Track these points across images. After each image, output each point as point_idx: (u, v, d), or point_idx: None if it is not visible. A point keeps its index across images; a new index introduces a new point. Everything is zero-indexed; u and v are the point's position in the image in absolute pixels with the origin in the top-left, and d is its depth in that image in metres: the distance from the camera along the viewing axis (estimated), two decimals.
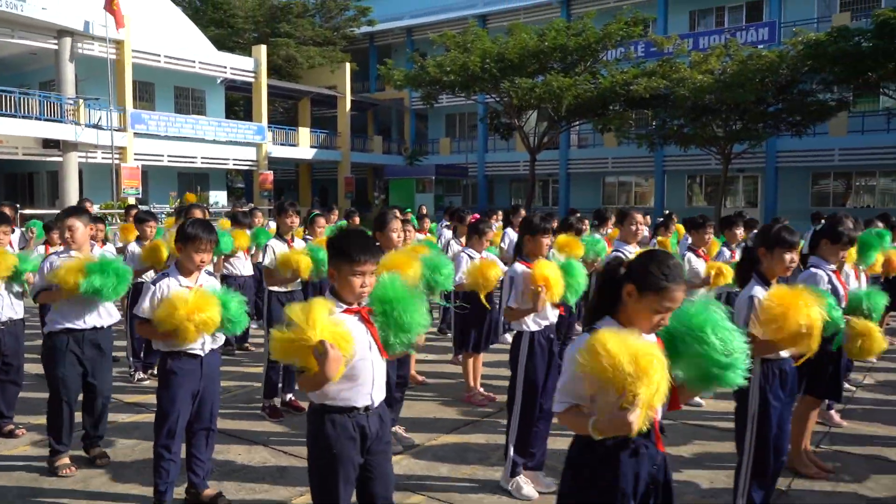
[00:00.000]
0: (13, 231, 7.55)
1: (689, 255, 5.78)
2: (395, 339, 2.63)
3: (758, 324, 3.10)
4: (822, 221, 5.00)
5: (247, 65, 29.12)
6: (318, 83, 35.00)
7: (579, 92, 23.05)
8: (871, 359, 7.15)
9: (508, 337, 6.34)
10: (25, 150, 22.97)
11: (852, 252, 4.77)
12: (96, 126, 23.16)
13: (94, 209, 11.82)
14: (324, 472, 2.65)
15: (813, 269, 4.23)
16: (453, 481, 4.19)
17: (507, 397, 4.09)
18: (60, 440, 4.23)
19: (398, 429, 4.80)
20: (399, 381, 4.66)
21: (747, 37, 27.35)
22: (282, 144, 31.32)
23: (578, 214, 10.15)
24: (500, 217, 10.33)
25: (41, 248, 6.85)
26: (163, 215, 20.38)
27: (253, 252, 7.65)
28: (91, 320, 4.21)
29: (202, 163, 27.36)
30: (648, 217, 11.10)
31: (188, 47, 27.11)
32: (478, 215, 8.01)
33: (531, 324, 3.97)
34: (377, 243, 4.65)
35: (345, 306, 2.62)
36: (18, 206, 10.35)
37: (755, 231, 7.17)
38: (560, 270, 3.91)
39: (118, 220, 16.53)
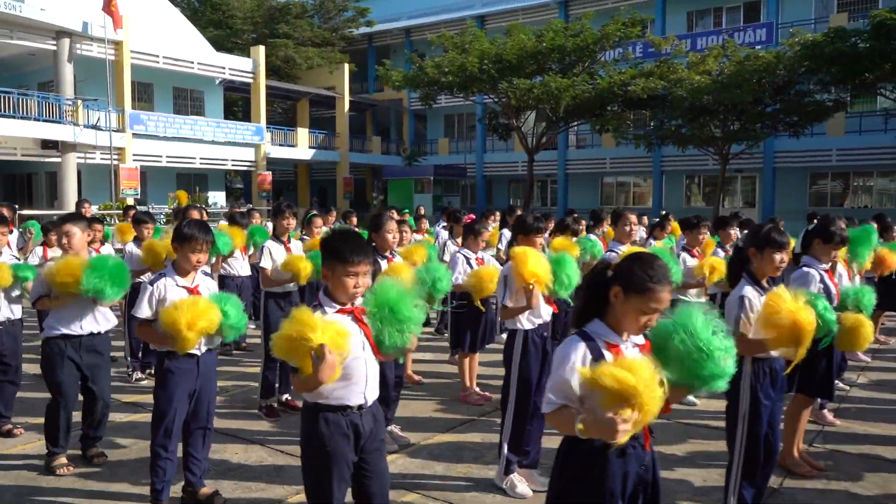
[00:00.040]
0: (11, 232, 7.59)
1: (684, 254, 5.82)
2: (391, 339, 2.62)
3: (760, 326, 3.15)
4: (815, 221, 5.01)
5: (245, 65, 29.15)
6: (316, 84, 35.04)
7: (577, 92, 23.10)
8: (864, 358, 7.25)
9: (505, 337, 6.37)
10: (24, 150, 22.98)
11: (843, 251, 4.80)
12: (95, 127, 23.18)
13: (93, 210, 11.83)
14: (318, 471, 2.68)
15: (805, 269, 4.26)
16: (448, 480, 4.22)
17: (501, 396, 4.12)
18: (58, 443, 4.26)
19: (394, 428, 4.83)
20: (395, 381, 4.70)
21: (745, 37, 27.42)
22: (280, 145, 31.36)
23: (576, 215, 10.20)
24: (498, 217, 10.35)
25: (39, 250, 6.88)
26: (161, 216, 20.44)
27: (251, 252, 7.67)
28: (88, 326, 4.24)
29: (201, 163, 27.38)
30: (645, 218, 11.21)
31: (187, 48, 27.13)
32: (473, 216, 8.05)
33: (525, 322, 4.00)
34: (372, 244, 4.72)
35: (338, 306, 2.65)
36: (17, 206, 10.37)
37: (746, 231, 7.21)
38: (551, 264, 3.91)
39: (117, 221, 16.55)
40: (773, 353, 3.30)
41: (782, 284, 3.39)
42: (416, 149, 36.60)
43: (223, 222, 8.85)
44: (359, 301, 2.71)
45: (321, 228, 6.48)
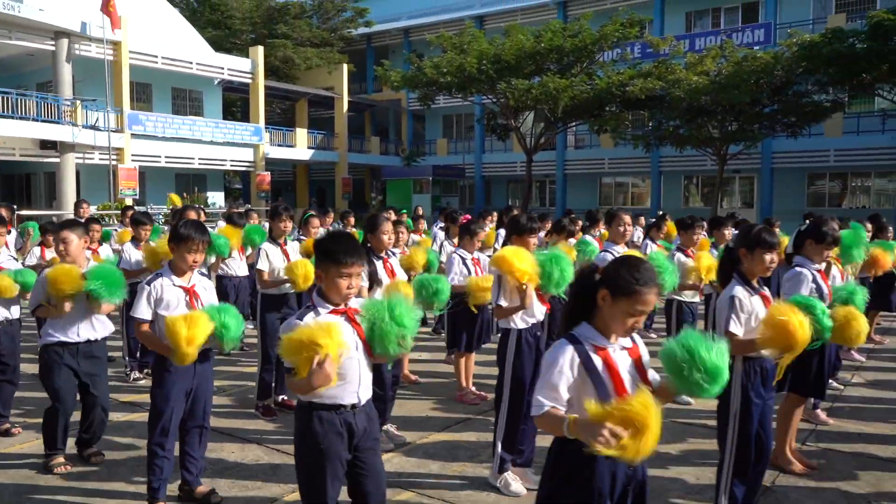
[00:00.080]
0: (9, 232, 7.62)
1: (679, 255, 5.85)
2: (392, 349, 2.65)
3: (760, 324, 3.18)
4: (807, 222, 5.05)
5: (244, 66, 29.18)
6: (315, 84, 35.08)
7: (575, 93, 23.14)
8: (859, 358, 7.28)
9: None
10: (22, 151, 23.01)
11: (835, 250, 4.82)
12: (93, 127, 23.21)
13: (92, 210, 11.85)
14: (311, 468, 2.71)
15: (798, 269, 4.28)
16: (443, 478, 4.25)
17: (495, 395, 4.15)
18: (55, 446, 4.30)
19: (390, 427, 4.86)
20: (392, 380, 4.73)
21: (743, 38, 27.47)
22: (279, 145, 31.40)
23: (573, 216, 10.23)
24: (495, 218, 10.37)
25: (36, 250, 6.91)
26: (160, 216, 20.46)
27: (249, 253, 7.70)
28: (85, 333, 4.27)
29: (199, 164, 27.41)
30: (642, 218, 11.24)
31: (185, 48, 27.16)
32: (469, 216, 8.08)
33: (518, 322, 4.04)
34: (368, 245, 4.75)
35: (331, 307, 2.69)
36: (15, 207, 10.41)
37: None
38: (546, 260, 3.92)
39: (115, 221, 16.57)
40: (764, 353, 3.33)
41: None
42: (414, 149, 36.63)
43: (221, 223, 8.89)
44: (353, 302, 2.75)
45: (318, 229, 6.51)
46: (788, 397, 4.41)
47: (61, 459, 4.29)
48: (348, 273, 2.65)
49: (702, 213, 18.20)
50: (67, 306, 4.08)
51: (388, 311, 2.62)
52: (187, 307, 3.70)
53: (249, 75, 29.29)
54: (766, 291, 3.47)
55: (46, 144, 22.64)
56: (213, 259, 6.82)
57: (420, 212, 13.62)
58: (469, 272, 5.60)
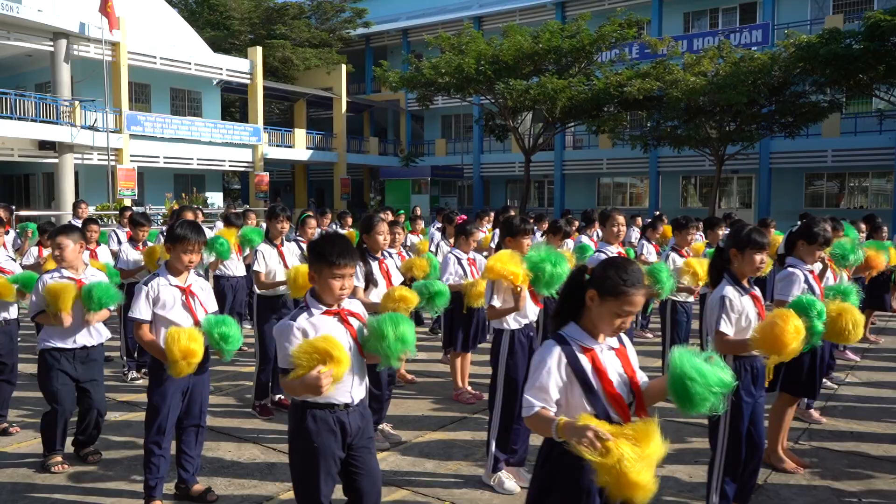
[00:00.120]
0: (8, 233, 7.65)
1: (673, 255, 5.88)
2: (392, 357, 2.70)
3: (756, 330, 3.21)
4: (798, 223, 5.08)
5: (243, 66, 29.21)
6: (313, 85, 35.11)
7: (573, 93, 23.18)
8: (854, 357, 7.31)
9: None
10: (21, 151, 23.04)
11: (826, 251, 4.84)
12: (92, 128, 23.24)
13: (90, 210, 11.87)
14: (305, 466, 2.74)
15: (790, 269, 4.31)
16: (438, 477, 4.29)
17: (489, 395, 4.19)
18: (54, 448, 4.34)
19: (385, 426, 4.89)
20: (388, 379, 4.75)
21: (741, 38, 27.52)
22: (278, 146, 31.44)
23: (570, 216, 10.27)
24: (492, 219, 10.41)
25: (34, 250, 6.94)
26: (159, 216, 20.49)
27: (247, 253, 7.72)
28: (81, 340, 4.30)
29: (198, 164, 27.43)
30: (639, 219, 11.27)
31: (184, 49, 27.18)
32: (464, 216, 8.11)
33: (511, 322, 4.07)
34: (364, 246, 4.79)
35: (324, 308, 2.72)
36: (14, 207, 10.43)
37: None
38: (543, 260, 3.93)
39: (114, 222, 16.60)
40: (755, 352, 3.36)
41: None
42: (413, 149, 36.67)
43: (220, 224, 8.92)
44: (346, 303, 2.79)
45: (315, 230, 6.53)
46: (781, 396, 4.44)
47: (59, 459, 4.32)
48: (341, 274, 2.68)
49: (700, 214, 18.24)
50: (67, 321, 4.12)
51: (393, 330, 2.66)
52: (184, 307, 3.73)
53: (248, 76, 29.32)
54: (757, 291, 3.51)
55: (45, 145, 22.67)
56: (212, 258, 6.85)
57: (418, 212, 13.64)
58: (464, 273, 5.63)
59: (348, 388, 2.74)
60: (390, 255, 5.23)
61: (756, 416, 3.49)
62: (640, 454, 1.98)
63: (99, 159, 23.75)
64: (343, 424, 2.74)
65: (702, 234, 8.38)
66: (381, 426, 4.82)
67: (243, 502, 3.91)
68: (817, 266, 4.71)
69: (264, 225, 8.96)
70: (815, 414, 5.36)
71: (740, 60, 21.11)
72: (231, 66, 28.82)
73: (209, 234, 7.28)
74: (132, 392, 6.15)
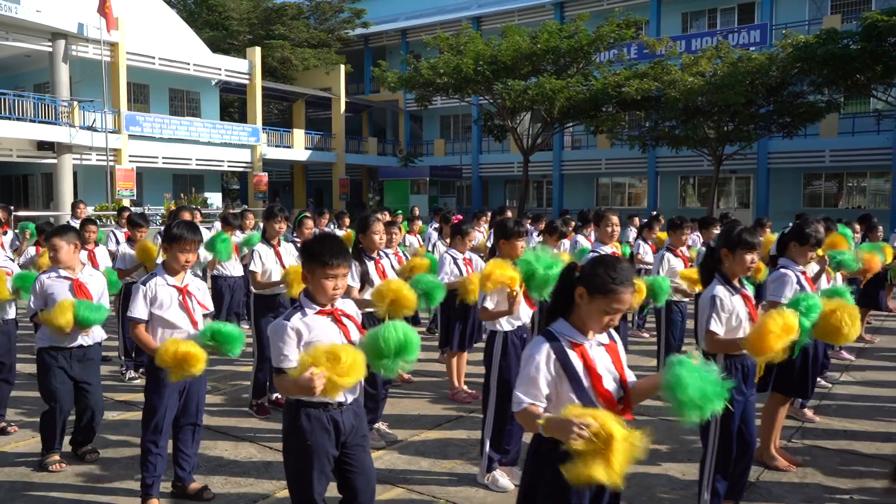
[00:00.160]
0: (6, 233, 7.68)
1: (667, 254, 5.92)
2: (391, 372, 2.72)
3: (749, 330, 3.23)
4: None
5: (241, 67, 29.23)
6: (312, 85, 35.14)
7: (571, 94, 23.22)
8: (849, 356, 7.34)
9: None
10: (20, 152, 23.06)
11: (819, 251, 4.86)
12: (91, 128, 23.26)
13: (89, 211, 11.91)
14: (299, 465, 2.77)
15: (782, 270, 4.33)
16: (433, 475, 4.32)
17: (482, 396, 4.22)
18: (53, 446, 4.37)
19: (381, 425, 4.92)
20: (383, 379, 4.78)
21: (739, 39, 27.54)
22: (276, 146, 31.45)
23: (567, 216, 10.31)
24: (489, 219, 10.44)
25: (31, 249, 6.97)
26: (157, 217, 20.52)
27: (244, 254, 7.75)
28: (78, 340, 4.33)
29: (197, 165, 27.46)
30: (636, 219, 11.31)
31: (183, 49, 27.21)
32: (460, 216, 8.14)
33: (504, 324, 4.11)
34: (360, 245, 4.82)
35: (318, 308, 2.76)
36: (12, 208, 10.45)
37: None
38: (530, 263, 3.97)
39: (112, 222, 16.63)
40: (745, 351, 3.39)
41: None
42: (412, 150, 36.70)
43: (218, 224, 8.94)
44: (339, 303, 2.81)
45: (312, 230, 6.56)
46: (773, 396, 4.48)
47: (56, 457, 4.36)
48: (334, 274, 2.71)
49: (699, 214, 18.25)
50: (65, 332, 4.15)
51: (395, 347, 2.67)
52: (180, 307, 3.76)
53: (247, 76, 29.35)
54: (748, 291, 3.54)
55: (43, 145, 22.69)
56: (209, 257, 6.87)
57: (416, 212, 13.68)
58: (460, 272, 5.66)
59: None
60: (386, 255, 5.26)
61: (747, 414, 3.53)
62: (624, 435, 2.04)
63: (97, 160, 23.78)
64: (337, 423, 2.77)
65: (698, 234, 8.44)
66: (376, 425, 4.85)
67: (239, 500, 3.94)
68: (811, 268, 4.74)
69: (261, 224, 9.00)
70: (809, 413, 5.40)
71: (738, 61, 21.16)
72: (230, 67, 28.85)
73: (208, 234, 7.33)
74: (130, 392, 6.18)
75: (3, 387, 5.02)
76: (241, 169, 30.20)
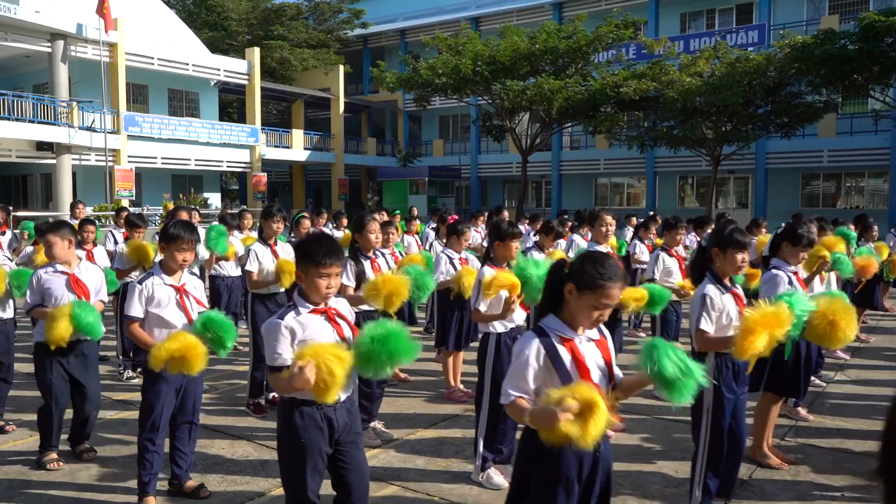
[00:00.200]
0: (4, 233, 7.71)
1: (662, 254, 5.95)
2: (378, 372, 2.74)
3: (736, 330, 3.25)
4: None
5: (240, 67, 29.26)
6: (311, 85, 35.16)
7: (570, 94, 23.26)
8: (843, 356, 7.37)
9: None
10: (19, 152, 23.07)
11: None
12: (90, 128, 23.28)
13: (88, 211, 11.94)
14: (293, 462, 2.81)
15: (774, 271, 4.37)
16: (429, 473, 4.35)
17: (476, 397, 4.26)
18: (50, 443, 4.40)
19: (377, 424, 4.96)
20: (378, 379, 4.81)
21: (737, 39, 27.58)
22: (275, 146, 31.48)
23: (565, 217, 10.34)
24: (486, 219, 10.47)
25: (29, 249, 7.00)
26: (156, 217, 20.54)
27: (241, 253, 7.77)
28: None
29: (196, 165, 27.48)
30: (634, 218, 11.35)
31: (182, 50, 27.23)
32: (456, 216, 8.17)
33: (498, 326, 4.15)
34: (356, 245, 4.85)
35: (311, 306, 2.79)
36: (11, 208, 10.49)
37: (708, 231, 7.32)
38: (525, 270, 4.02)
39: (111, 223, 16.65)
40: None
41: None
42: (410, 150, 36.74)
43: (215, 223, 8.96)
44: (333, 301, 2.84)
45: (309, 230, 6.59)
46: (765, 395, 4.50)
47: (54, 456, 4.39)
48: (327, 273, 2.75)
49: (697, 214, 18.31)
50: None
51: (385, 348, 2.68)
52: (178, 306, 3.80)
53: (246, 76, 29.38)
54: (739, 290, 3.57)
55: (43, 146, 22.71)
56: (206, 255, 6.88)
57: (415, 213, 13.71)
58: (456, 271, 5.68)
59: None
60: (383, 254, 5.30)
61: (737, 412, 3.56)
62: (602, 402, 2.12)
63: (97, 160, 23.80)
64: (330, 420, 2.80)
65: (694, 234, 8.48)
66: (372, 424, 4.89)
67: (235, 498, 3.97)
68: (801, 269, 4.76)
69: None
70: (803, 411, 5.43)
71: (736, 61, 21.19)
72: (229, 67, 28.87)
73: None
74: (128, 391, 6.21)
75: (2, 386, 5.04)
76: (240, 169, 30.23)
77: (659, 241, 8.01)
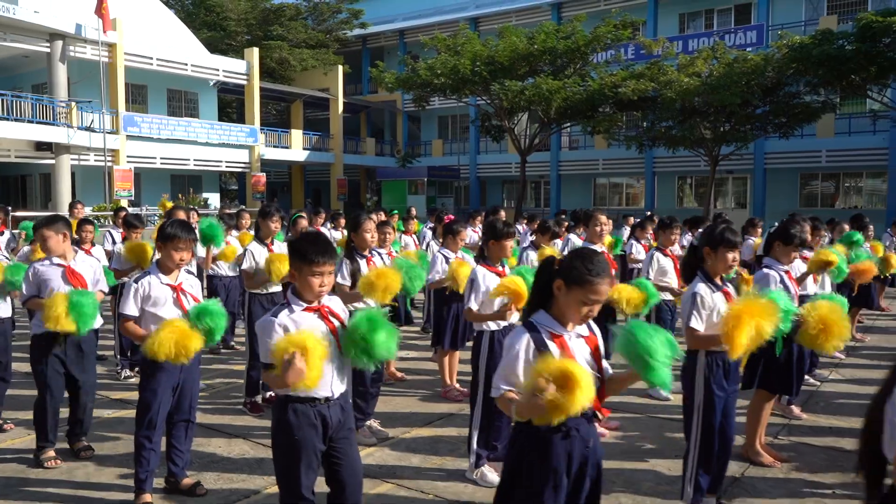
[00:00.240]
0: (2, 234, 7.73)
1: (657, 254, 5.98)
2: (357, 360, 2.79)
3: (721, 324, 3.27)
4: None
5: (239, 67, 29.28)
6: (310, 85, 35.19)
7: (568, 94, 23.29)
8: (839, 355, 7.39)
9: None
10: (18, 152, 23.09)
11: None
12: (89, 129, 23.30)
13: (87, 211, 11.98)
14: (287, 460, 2.84)
15: (766, 270, 4.41)
16: (423, 471, 4.38)
17: (470, 395, 4.29)
18: (46, 437, 4.43)
19: (373, 422, 4.98)
20: (374, 377, 4.84)
21: (736, 39, 27.63)
22: (274, 147, 31.50)
23: (562, 216, 10.38)
24: (483, 219, 10.50)
25: (26, 248, 7.03)
26: (156, 217, 20.55)
27: (239, 253, 7.79)
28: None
29: (195, 165, 27.51)
30: (632, 218, 11.41)
31: (181, 50, 27.26)
32: (452, 216, 8.21)
33: (492, 324, 4.18)
34: (352, 244, 4.88)
35: (304, 304, 2.82)
36: (10, 208, 10.52)
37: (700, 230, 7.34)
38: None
39: (110, 223, 16.68)
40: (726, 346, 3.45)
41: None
42: (409, 150, 36.76)
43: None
44: (326, 300, 2.87)
45: (306, 229, 6.62)
46: (757, 393, 4.53)
47: (52, 454, 4.42)
48: (320, 272, 2.78)
49: (696, 214, 18.37)
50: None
51: (370, 338, 2.73)
52: (175, 304, 3.83)
53: (245, 77, 29.40)
54: (730, 288, 3.61)
55: (42, 146, 22.74)
56: (203, 254, 6.90)
57: (413, 212, 13.73)
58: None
59: (328, 382, 2.83)
60: (379, 254, 5.32)
61: (728, 409, 3.59)
62: (581, 371, 2.16)
63: (95, 160, 23.82)
64: (324, 418, 2.83)
65: (690, 234, 8.50)
66: (368, 422, 4.91)
67: (231, 496, 4.00)
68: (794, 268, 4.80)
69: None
70: (796, 410, 5.46)
71: (734, 61, 21.23)
72: (228, 67, 28.90)
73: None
74: (125, 390, 6.23)
75: (0, 385, 5.07)
76: (239, 169, 30.25)
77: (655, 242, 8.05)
